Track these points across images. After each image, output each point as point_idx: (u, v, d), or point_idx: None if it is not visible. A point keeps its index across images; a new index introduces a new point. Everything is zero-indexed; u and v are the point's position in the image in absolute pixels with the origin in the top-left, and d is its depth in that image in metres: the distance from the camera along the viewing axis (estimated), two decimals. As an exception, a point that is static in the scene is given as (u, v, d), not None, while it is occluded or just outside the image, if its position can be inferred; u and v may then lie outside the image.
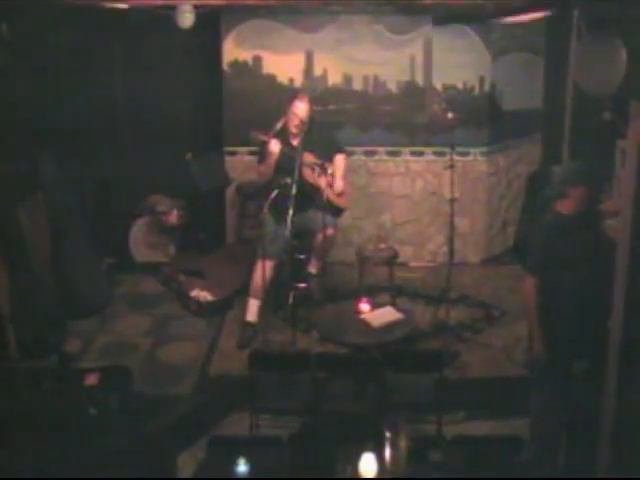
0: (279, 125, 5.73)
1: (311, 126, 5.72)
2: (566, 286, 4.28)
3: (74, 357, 5.67)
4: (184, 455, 4.77)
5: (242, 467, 3.65)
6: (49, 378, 5.01)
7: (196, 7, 6.24)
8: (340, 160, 5.88)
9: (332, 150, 5.86)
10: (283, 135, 5.64)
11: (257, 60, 6.87)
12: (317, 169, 5.59)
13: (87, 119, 6.89)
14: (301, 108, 5.61)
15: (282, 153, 5.52)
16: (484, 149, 7.01)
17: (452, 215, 5.69)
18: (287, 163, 5.49)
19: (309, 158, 5.63)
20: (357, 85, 6.90)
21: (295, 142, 5.63)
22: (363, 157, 7.00)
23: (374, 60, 6.83)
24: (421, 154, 7.02)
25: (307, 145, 5.63)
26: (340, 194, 5.77)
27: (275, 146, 5.50)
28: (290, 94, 5.95)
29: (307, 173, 5.63)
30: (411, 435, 3.77)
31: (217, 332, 6.04)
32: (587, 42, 4.14)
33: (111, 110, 7.11)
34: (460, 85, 6.87)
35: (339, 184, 5.76)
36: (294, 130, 5.62)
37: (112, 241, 6.99)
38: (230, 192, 7.13)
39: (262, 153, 5.65)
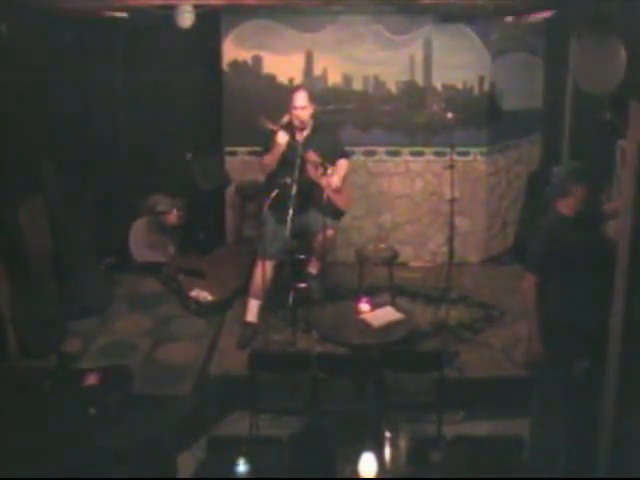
0: (284, 121, 5.74)
1: (316, 126, 5.74)
2: (566, 285, 4.29)
3: (74, 357, 5.66)
4: (184, 455, 4.77)
5: (242, 467, 3.65)
6: (49, 378, 5.01)
7: (196, 7, 6.23)
8: (343, 163, 5.89)
9: (336, 153, 5.86)
10: (288, 131, 5.64)
11: (257, 60, 6.87)
12: (320, 168, 5.59)
13: (87, 119, 6.89)
14: (300, 98, 5.61)
15: (287, 147, 5.52)
16: (484, 149, 7.01)
17: (452, 215, 5.70)
18: (291, 159, 5.49)
19: (313, 157, 5.63)
20: (357, 85, 6.90)
21: (300, 137, 5.63)
22: (363, 157, 7.00)
23: (374, 60, 6.83)
24: (421, 154, 7.02)
25: (312, 144, 5.64)
26: (337, 190, 5.76)
27: (283, 138, 5.51)
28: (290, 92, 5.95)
29: (311, 171, 5.63)
30: (411, 435, 3.77)
31: (217, 332, 6.04)
32: (587, 42, 4.14)
33: (111, 110, 7.11)
34: (460, 85, 6.86)
35: (336, 180, 5.75)
36: (297, 123, 5.62)
37: (112, 241, 6.99)
38: (230, 192, 7.14)
39: (266, 144, 5.65)
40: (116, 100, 7.14)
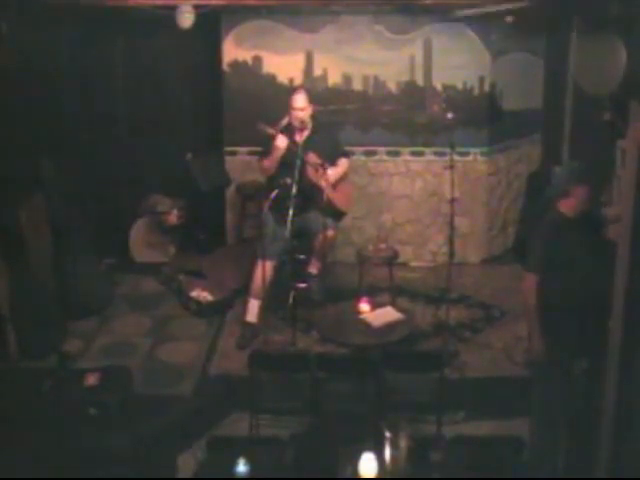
0: (284, 122, 5.74)
1: (316, 127, 5.74)
2: (566, 286, 4.29)
3: (74, 357, 5.67)
4: (184, 455, 4.77)
5: (242, 467, 3.65)
6: (49, 378, 5.01)
7: (196, 7, 6.24)
8: (343, 162, 5.90)
9: (336, 153, 5.87)
10: (288, 132, 5.65)
11: (257, 60, 6.87)
12: (321, 170, 5.60)
13: (87, 119, 6.89)
14: (298, 99, 5.62)
15: (287, 149, 5.52)
16: (484, 149, 7.00)
17: (452, 215, 5.69)
18: (291, 160, 5.49)
19: (313, 158, 5.63)
20: (357, 85, 6.90)
21: (299, 138, 5.63)
22: (363, 157, 6.99)
23: (374, 60, 6.82)
24: (421, 154, 7.02)
25: (312, 145, 5.64)
26: (333, 186, 5.76)
27: (282, 142, 5.51)
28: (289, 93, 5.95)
29: (311, 172, 5.64)
30: (411, 435, 3.77)
31: (217, 332, 6.04)
32: (587, 42, 4.14)
33: (111, 110, 7.11)
34: (460, 85, 6.86)
35: (332, 175, 5.74)
36: (297, 124, 5.63)
37: (112, 241, 6.99)
38: (230, 192, 7.14)
39: (266, 147, 5.65)
40: (116, 100, 7.14)
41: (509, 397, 5.12)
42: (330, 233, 5.78)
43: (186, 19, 6.24)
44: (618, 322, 3.92)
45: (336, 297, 6.00)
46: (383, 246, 6.18)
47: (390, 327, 5.03)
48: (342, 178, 5.90)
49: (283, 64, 6.84)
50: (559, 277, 4.30)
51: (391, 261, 6.07)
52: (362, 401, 4.76)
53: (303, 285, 5.75)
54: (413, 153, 7.03)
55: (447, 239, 5.76)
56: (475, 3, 6.12)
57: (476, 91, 6.88)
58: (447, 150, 5.90)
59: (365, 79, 6.89)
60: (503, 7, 6.11)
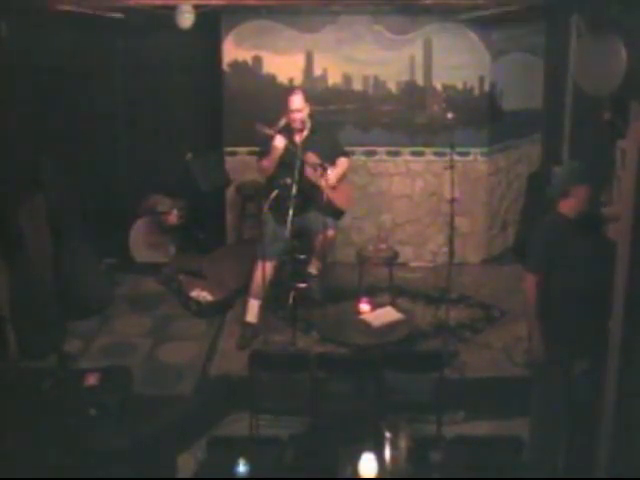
0: (282, 122, 5.74)
1: (315, 127, 5.74)
2: (566, 286, 4.29)
3: (74, 357, 5.67)
4: (184, 455, 4.77)
5: (242, 467, 3.65)
6: (49, 378, 5.01)
7: (196, 7, 6.24)
8: (342, 162, 5.90)
9: (336, 153, 5.87)
10: (287, 132, 5.65)
11: (257, 60, 6.87)
12: (319, 169, 5.60)
13: (87, 119, 6.89)
14: (295, 101, 5.62)
15: (286, 150, 5.53)
16: (484, 149, 7.00)
17: (452, 215, 5.69)
18: (290, 161, 5.50)
19: (312, 158, 5.63)
20: (357, 85, 6.90)
21: (298, 138, 5.64)
22: (363, 157, 6.99)
23: (374, 60, 6.83)
24: (421, 154, 7.02)
25: (311, 145, 5.64)
26: (334, 188, 5.77)
27: (280, 142, 5.52)
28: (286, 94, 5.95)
29: (310, 172, 5.64)
30: (411, 435, 3.77)
31: (217, 332, 6.04)
32: (587, 42, 4.14)
33: (111, 110, 7.11)
34: (460, 85, 6.86)
35: (333, 177, 5.74)
36: (295, 125, 5.63)
37: (112, 241, 6.99)
38: (230, 192, 7.14)
39: (264, 148, 5.66)
40: (116, 100, 7.14)
41: (509, 397, 5.12)
42: (330, 233, 5.78)
43: (186, 19, 6.24)
44: (618, 322, 3.92)
45: (336, 297, 5.99)
46: (383, 246, 6.18)
47: (390, 327, 5.03)
48: (342, 178, 5.90)
49: (283, 64, 6.84)
50: (559, 277, 4.30)
51: (391, 261, 6.07)
52: (362, 401, 4.76)
53: (303, 285, 5.75)
54: (413, 153, 7.03)
55: (447, 239, 5.76)
56: (475, 4, 6.11)
57: (476, 91, 6.88)
58: (447, 150, 5.89)
59: (365, 79, 6.89)
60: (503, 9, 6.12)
